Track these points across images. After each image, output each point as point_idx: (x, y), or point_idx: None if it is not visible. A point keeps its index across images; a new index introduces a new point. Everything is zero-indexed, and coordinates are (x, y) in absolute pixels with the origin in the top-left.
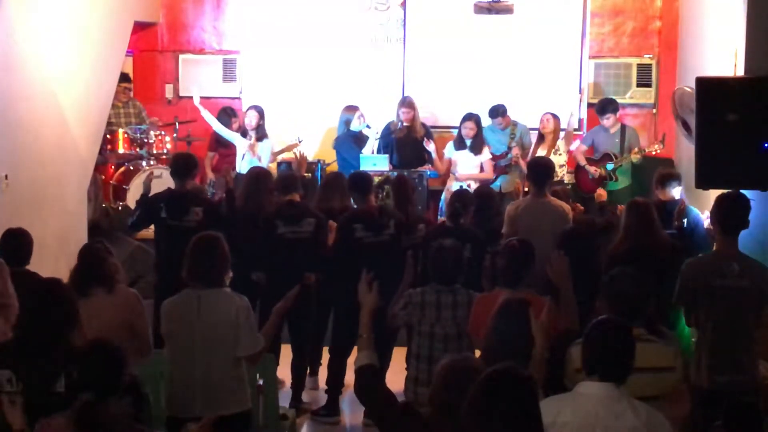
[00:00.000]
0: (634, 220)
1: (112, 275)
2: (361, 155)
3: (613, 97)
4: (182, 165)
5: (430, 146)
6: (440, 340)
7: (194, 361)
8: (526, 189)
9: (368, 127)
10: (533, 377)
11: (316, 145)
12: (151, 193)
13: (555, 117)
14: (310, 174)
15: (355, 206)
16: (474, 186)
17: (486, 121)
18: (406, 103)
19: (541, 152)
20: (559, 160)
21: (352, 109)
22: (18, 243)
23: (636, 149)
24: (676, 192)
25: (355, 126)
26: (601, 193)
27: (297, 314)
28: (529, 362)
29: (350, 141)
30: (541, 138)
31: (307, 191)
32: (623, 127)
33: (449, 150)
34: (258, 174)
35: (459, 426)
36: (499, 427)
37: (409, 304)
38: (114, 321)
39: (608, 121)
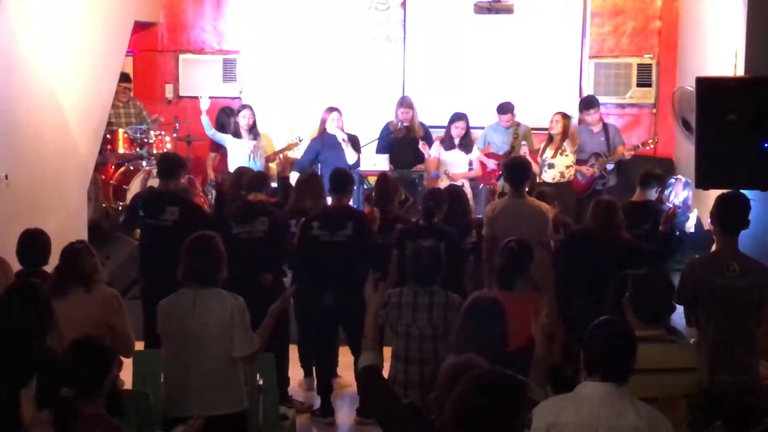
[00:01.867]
0: (595, 218)
1: (90, 275)
2: (363, 155)
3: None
4: (166, 165)
5: (424, 148)
6: (416, 341)
7: (189, 361)
8: (527, 190)
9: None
10: (521, 380)
11: None
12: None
13: (565, 117)
14: None
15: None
16: (467, 184)
17: (483, 121)
18: (405, 103)
19: (549, 152)
20: (565, 161)
21: (328, 110)
22: (34, 243)
23: (630, 146)
24: (654, 193)
25: (330, 128)
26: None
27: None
28: (500, 361)
29: (315, 143)
30: (549, 138)
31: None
32: (605, 126)
33: (436, 150)
34: (242, 174)
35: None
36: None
37: (387, 304)
38: (91, 320)
39: (593, 117)
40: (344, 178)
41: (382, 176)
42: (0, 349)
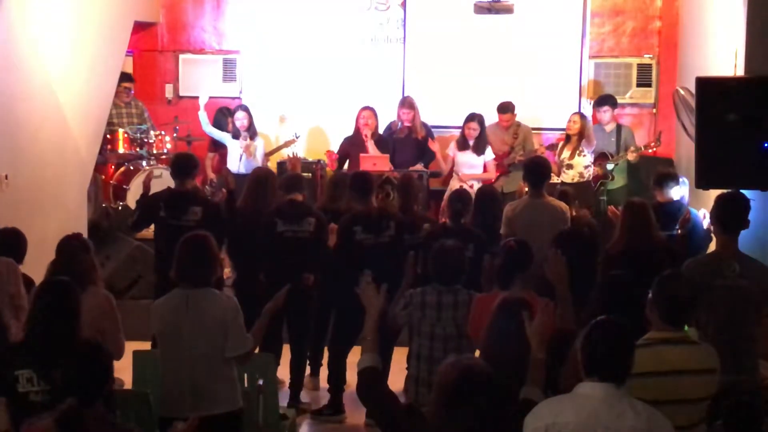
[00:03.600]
0: (630, 220)
1: (84, 274)
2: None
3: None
4: (182, 165)
5: (435, 146)
6: (440, 341)
7: (183, 361)
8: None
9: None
10: (490, 373)
11: (315, 145)
12: (151, 193)
13: (583, 117)
14: (310, 174)
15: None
16: (476, 186)
17: (485, 120)
18: (407, 103)
19: (566, 153)
20: (584, 161)
21: (361, 109)
22: (12, 242)
23: (632, 148)
24: (674, 192)
25: (361, 127)
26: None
27: (295, 314)
28: (528, 363)
29: (344, 142)
30: (567, 139)
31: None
32: (619, 126)
33: (452, 150)
34: (263, 175)
35: (457, 426)
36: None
37: (409, 304)
38: (83, 322)
39: (605, 114)
40: (366, 181)
41: (405, 177)
42: (48, 344)
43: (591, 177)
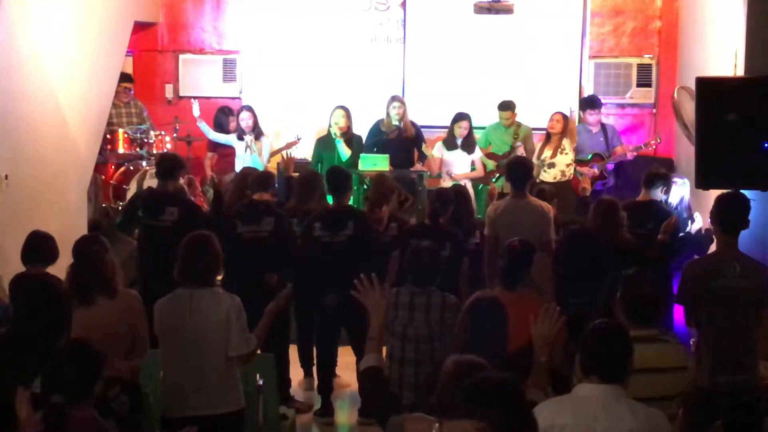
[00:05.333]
0: (596, 219)
1: (112, 279)
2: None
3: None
4: (165, 166)
5: (428, 150)
6: (412, 342)
7: (186, 361)
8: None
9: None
10: (513, 380)
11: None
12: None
13: (565, 117)
14: None
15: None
16: (469, 185)
17: (483, 121)
18: (397, 99)
19: (548, 152)
20: (565, 159)
21: (334, 108)
22: (43, 245)
23: (633, 146)
24: (659, 193)
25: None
26: (586, 188)
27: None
28: (500, 361)
29: (317, 143)
30: (548, 137)
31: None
32: (603, 126)
33: (439, 150)
34: (247, 174)
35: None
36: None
37: None
38: (117, 326)
39: (594, 117)
40: (342, 177)
41: (378, 175)
42: (12, 347)
43: (572, 176)
